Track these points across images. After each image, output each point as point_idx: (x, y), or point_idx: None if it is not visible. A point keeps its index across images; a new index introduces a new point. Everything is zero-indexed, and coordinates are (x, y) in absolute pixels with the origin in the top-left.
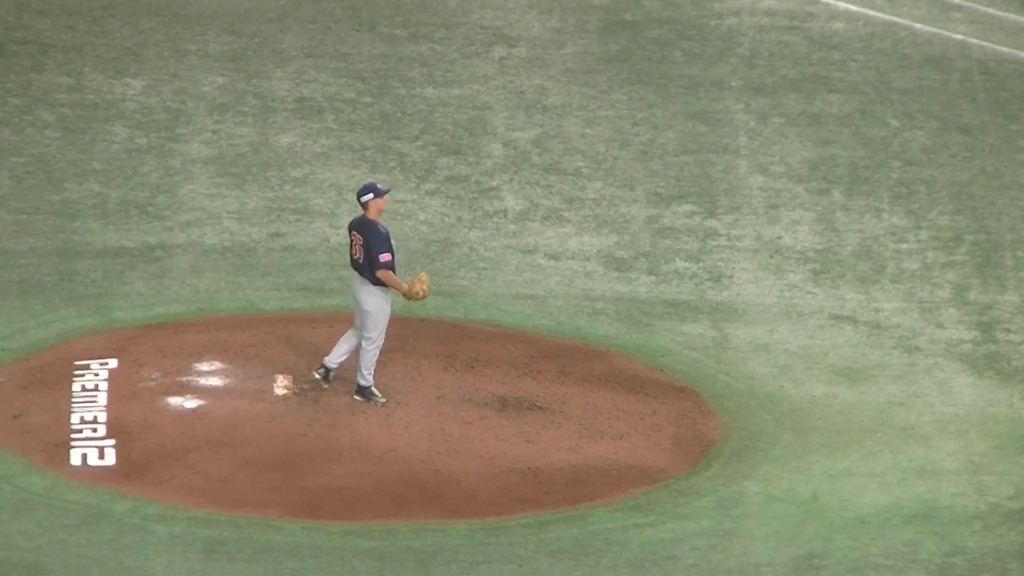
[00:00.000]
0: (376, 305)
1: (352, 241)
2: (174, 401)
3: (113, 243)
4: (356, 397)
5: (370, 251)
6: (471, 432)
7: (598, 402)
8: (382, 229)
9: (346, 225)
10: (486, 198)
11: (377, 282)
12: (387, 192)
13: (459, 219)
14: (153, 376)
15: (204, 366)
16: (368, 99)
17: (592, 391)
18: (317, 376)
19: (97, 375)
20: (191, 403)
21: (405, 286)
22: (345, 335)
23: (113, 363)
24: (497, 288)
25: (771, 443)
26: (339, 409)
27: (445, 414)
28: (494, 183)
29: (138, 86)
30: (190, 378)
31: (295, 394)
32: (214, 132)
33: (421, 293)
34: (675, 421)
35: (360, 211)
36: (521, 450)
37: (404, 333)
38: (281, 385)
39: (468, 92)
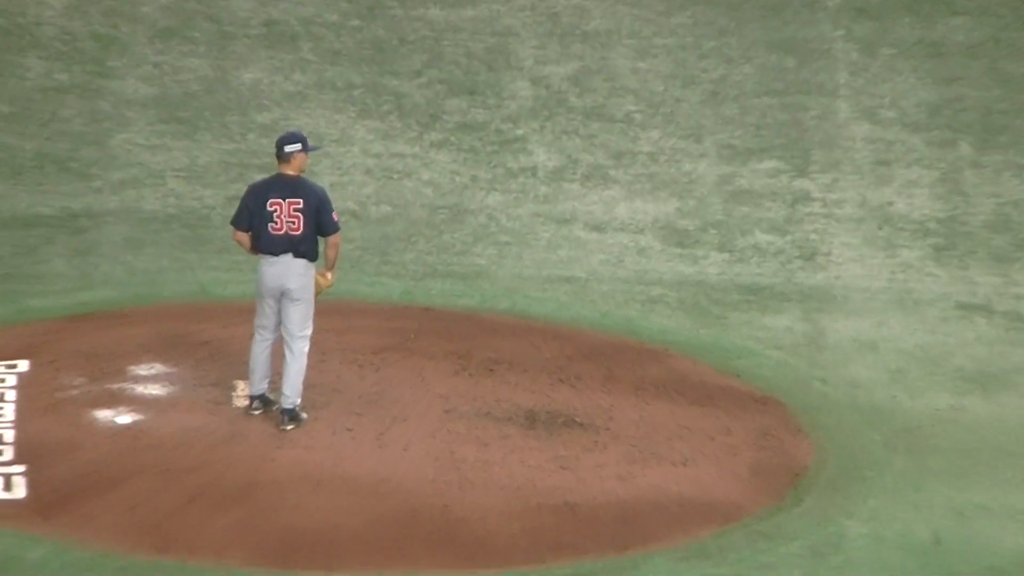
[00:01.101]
0: (310, 290)
1: (275, 212)
2: (103, 415)
3: (25, 210)
4: (287, 427)
5: (319, 215)
6: (490, 456)
7: (654, 417)
8: (319, 184)
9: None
10: (509, 151)
11: (313, 256)
12: (316, 149)
13: (474, 179)
14: (76, 383)
15: (142, 370)
16: (356, 23)
17: (646, 402)
18: (255, 412)
19: (3, 381)
20: (125, 418)
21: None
22: (257, 359)
23: (23, 365)
24: (524, 269)
25: (880, 470)
26: (317, 426)
27: (456, 433)
28: (520, 132)
29: (58, 6)
30: (124, 385)
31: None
32: (156, 65)
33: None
34: (754, 442)
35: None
36: (555, 480)
37: (404, 327)
38: (242, 394)
39: (486, 14)
